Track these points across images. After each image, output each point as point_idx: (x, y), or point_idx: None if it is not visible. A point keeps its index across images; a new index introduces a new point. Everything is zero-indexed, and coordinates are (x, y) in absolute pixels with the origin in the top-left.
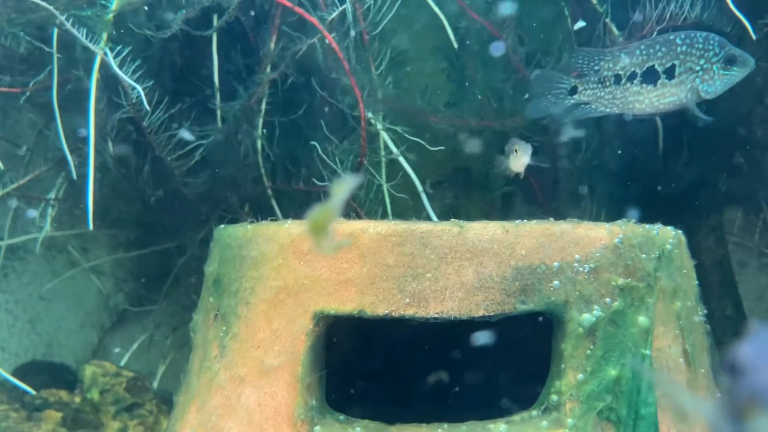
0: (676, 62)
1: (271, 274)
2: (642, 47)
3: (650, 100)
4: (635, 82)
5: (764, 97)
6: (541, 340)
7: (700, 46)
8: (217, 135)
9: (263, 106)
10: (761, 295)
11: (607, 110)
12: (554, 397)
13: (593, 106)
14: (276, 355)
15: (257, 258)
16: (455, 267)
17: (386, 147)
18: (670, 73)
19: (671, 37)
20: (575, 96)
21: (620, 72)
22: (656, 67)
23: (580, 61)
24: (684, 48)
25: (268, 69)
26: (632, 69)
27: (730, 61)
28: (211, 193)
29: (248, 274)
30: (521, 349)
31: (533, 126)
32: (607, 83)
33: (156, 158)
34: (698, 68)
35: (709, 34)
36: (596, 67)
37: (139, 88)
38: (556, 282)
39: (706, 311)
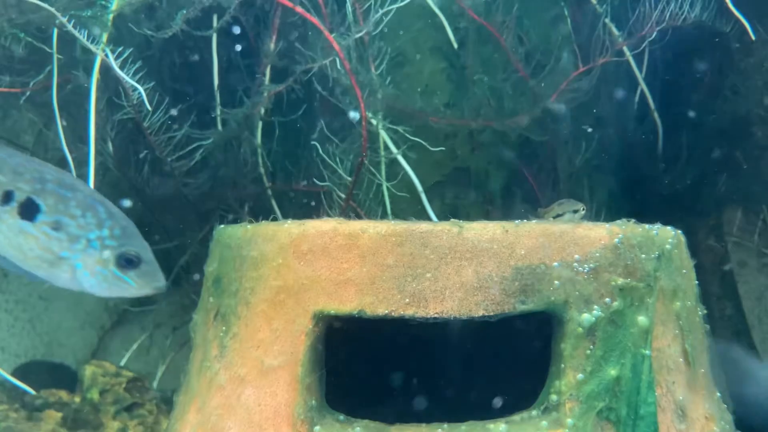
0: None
1: (271, 274)
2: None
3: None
4: None
5: (763, 98)
6: (541, 340)
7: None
8: (217, 137)
9: (262, 110)
10: (761, 295)
11: None
12: (554, 397)
13: None
14: (276, 355)
15: (257, 258)
16: (455, 267)
17: (386, 147)
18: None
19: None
20: None
21: None
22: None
23: None
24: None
25: (268, 71)
26: None
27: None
28: (211, 193)
29: (248, 274)
30: (521, 348)
31: (532, 125)
32: None
33: (156, 158)
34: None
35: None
36: None
37: (140, 88)
38: (555, 282)
39: (705, 311)
